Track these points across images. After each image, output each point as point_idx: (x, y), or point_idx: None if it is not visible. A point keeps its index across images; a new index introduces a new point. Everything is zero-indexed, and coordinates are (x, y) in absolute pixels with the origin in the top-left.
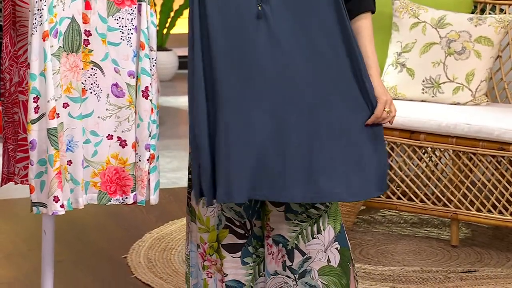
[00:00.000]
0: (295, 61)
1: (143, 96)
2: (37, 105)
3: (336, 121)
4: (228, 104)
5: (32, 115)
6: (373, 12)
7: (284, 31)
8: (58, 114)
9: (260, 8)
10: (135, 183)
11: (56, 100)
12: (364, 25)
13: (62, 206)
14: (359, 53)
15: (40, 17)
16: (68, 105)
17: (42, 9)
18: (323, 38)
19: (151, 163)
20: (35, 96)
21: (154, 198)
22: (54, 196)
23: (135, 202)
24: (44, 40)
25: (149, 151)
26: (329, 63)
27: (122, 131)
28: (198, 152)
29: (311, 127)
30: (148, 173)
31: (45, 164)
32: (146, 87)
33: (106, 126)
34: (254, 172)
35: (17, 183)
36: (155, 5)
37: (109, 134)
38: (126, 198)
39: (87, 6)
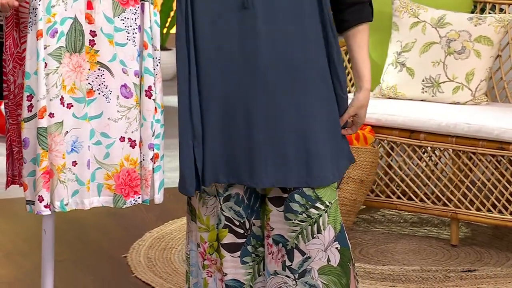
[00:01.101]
0: (272, 54)
1: (146, 96)
2: (31, 104)
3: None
4: (212, 97)
5: (26, 114)
6: (370, 21)
7: (267, 22)
8: (52, 114)
9: None
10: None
11: (50, 100)
12: (362, 36)
13: (47, 206)
14: (336, 53)
15: (35, 16)
16: (72, 106)
17: (36, 8)
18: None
19: (155, 163)
20: (28, 94)
21: (158, 197)
22: (39, 196)
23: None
24: (37, 39)
25: (153, 150)
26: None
27: (132, 132)
28: (195, 141)
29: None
30: (153, 172)
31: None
32: (149, 87)
33: (118, 128)
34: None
35: (23, 185)
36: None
37: (121, 137)
38: (138, 198)
39: (89, 6)
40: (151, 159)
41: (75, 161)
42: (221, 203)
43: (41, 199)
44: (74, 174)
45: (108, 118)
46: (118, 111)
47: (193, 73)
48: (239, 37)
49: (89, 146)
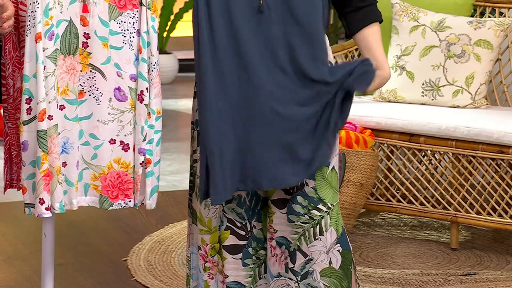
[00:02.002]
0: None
1: (138, 100)
2: (30, 107)
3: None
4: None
5: (24, 116)
6: (380, 22)
7: (278, 27)
8: (51, 116)
9: (261, 2)
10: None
11: (49, 102)
12: (370, 32)
13: (48, 208)
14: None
15: (33, 19)
16: (64, 107)
17: (35, 11)
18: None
19: (146, 168)
20: (27, 97)
21: (149, 203)
22: (40, 198)
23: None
24: (36, 42)
25: (144, 155)
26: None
27: (125, 135)
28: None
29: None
30: (145, 177)
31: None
32: (142, 91)
33: (108, 131)
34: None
35: (21, 188)
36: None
37: (111, 139)
38: (129, 201)
39: (85, 9)
40: (140, 164)
41: (65, 162)
42: (224, 205)
43: (42, 202)
44: (63, 175)
45: (98, 120)
46: (109, 114)
47: (210, 79)
48: (256, 42)
49: (78, 146)
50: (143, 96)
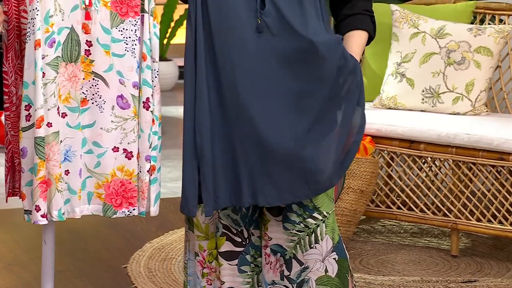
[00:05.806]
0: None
1: (144, 107)
2: (29, 113)
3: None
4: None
5: (24, 123)
6: (370, 36)
7: (280, 46)
8: (50, 123)
9: (260, 22)
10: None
11: (48, 109)
12: (351, 34)
13: (44, 216)
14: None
15: (33, 26)
16: (66, 115)
17: (35, 18)
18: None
19: (151, 175)
20: (26, 104)
21: (154, 210)
22: (36, 205)
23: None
24: (35, 49)
25: (150, 162)
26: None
27: (128, 143)
28: (198, 160)
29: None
30: (149, 184)
31: None
32: (147, 98)
33: (111, 138)
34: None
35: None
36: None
37: (114, 147)
38: (134, 209)
39: (87, 16)
40: (147, 171)
41: (67, 170)
42: (219, 211)
43: (38, 209)
44: (66, 183)
45: (101, 128)
46: (112, 121)
47: (203, 92)
48: (253, 62)
49: (81, 155)
50: (149, 103)
